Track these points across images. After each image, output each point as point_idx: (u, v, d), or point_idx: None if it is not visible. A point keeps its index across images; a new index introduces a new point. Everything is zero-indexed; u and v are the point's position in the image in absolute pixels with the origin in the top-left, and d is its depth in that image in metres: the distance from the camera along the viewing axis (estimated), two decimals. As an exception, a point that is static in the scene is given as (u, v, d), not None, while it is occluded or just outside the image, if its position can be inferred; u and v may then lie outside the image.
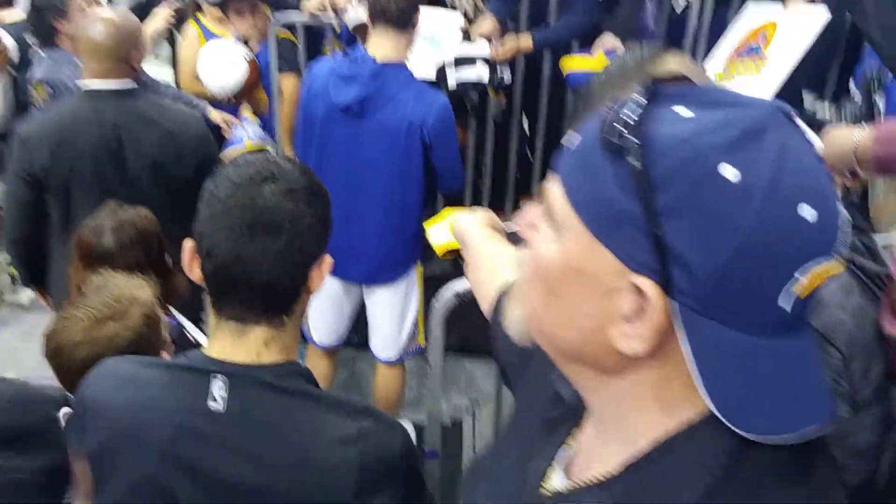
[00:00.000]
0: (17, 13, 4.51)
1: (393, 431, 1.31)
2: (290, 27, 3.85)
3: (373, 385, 3.33)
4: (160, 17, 3.95)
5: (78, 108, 2.69)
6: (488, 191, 4.21)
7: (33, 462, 0.91)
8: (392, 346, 3.20)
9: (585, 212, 0.72)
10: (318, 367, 3.26)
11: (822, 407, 0.74)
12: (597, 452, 0.82)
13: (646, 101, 0.71)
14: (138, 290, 1.74)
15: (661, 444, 0.75)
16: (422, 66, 3.40)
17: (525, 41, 3.65)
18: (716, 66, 2.71)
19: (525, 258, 0.82)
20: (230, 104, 3.84)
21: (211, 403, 1.22)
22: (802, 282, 0.69)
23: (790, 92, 2.44)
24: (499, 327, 1.19)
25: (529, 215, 0.82)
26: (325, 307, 3.14)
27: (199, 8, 4.11)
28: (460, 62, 3.48)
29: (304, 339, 3.34)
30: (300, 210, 1.22)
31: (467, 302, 1.74)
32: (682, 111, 0.70)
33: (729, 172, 0.66)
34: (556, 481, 0.86)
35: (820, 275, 0.70)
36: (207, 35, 4.02)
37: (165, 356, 1.74)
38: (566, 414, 0.91)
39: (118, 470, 1.25)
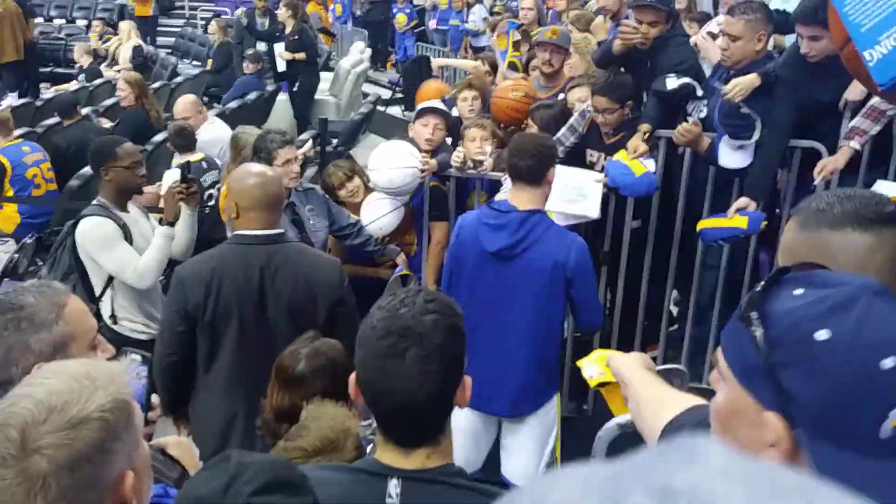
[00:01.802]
0: (199, 154, 5.16)
1: None
2: (443, 178, 4.26)
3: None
4: None
5: (229, 253, 2.98)
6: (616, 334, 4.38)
7: (300, 500, 1.23)
8: (531, 476, 3.33)
9: (734, 366, 0.99)
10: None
11: None
12: None
13: (768, 286, 0.98)
14: (350, 420, 1.99)
15: None
16: (561, 205, 3.74)
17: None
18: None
19: (712, 407, 1.08)
20: (383, 244, 4.21)
21: (388, 500, 1.48)
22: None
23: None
24: None
25: (714, 376, 1.08)
26: (465, 441, 3.28)
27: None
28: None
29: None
30: (437, 366, 1.46)
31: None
32: (798, 291, 0.98)
33: (820, 335, 0.92)
34: None
35: None
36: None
37: None
38: None
39: None
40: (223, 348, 2.99)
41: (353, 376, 1.56)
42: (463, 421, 3.24)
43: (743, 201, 3.78)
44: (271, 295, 2.92)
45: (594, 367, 1.88)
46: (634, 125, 4.04)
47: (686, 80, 4.02)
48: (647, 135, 3.98)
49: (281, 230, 3.02)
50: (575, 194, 3.82)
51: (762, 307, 0.96)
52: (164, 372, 2.96)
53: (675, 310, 4.72)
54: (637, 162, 3.88)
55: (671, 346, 4.33)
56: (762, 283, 1.00)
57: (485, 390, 3.15)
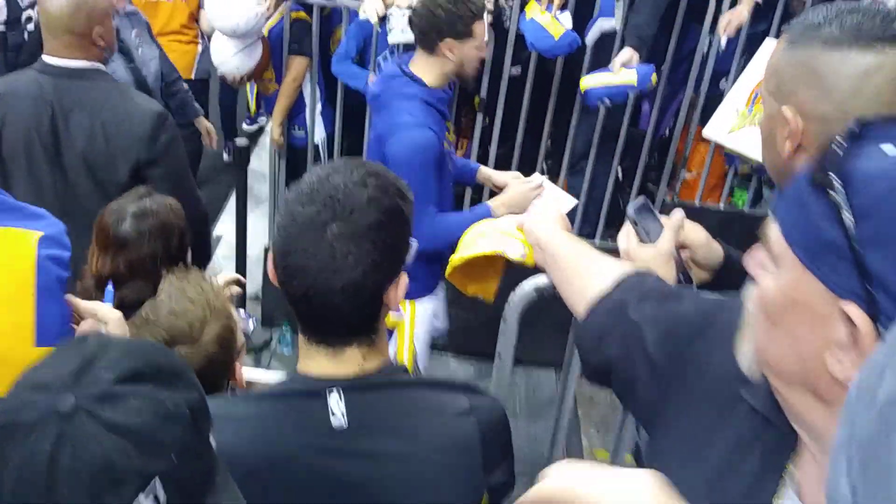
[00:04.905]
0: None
1: (496, 402, 1.39)
2: (307, 7, 3.76)
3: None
4: None
5: (24, 81, 2.52)
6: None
7: (179, 396, 0.92)
8: None
9: (797, 244, 0.78)
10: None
11: None
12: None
13: (849, 141, 0.75)
14: (215, 300, 1.65)
15: None
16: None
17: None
18: (738, 102, 2.66)
19: (752, 295, 0.87)
20: (241, 84, 3.77)
21: (333, 420, 1.23)
22: None
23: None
24: (594, 333, 1.23)
25: (758, 256, 0.86)
26: None
27: None
28: None
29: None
30: (364, 250, 1.18)
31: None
32: (889, 149, 0.74)
33: None
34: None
35: None
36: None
37: (238, 366, 1.72)
38: (775, 435, 0.91)
39: None
40: (17, 192, 2.47)
41: (272, 252, 1.26)
42: None
43: (626, 54, 3.54)
44: (66, 142, 2.46)
45: (515, 243, 1.56)
46: None
47: None
48: None
49: (88, 64, 2.48)
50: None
51: (843, 167, 0.74)
52: None
53: (546, 165, 4.57)
54: (553, 21, 3.46)
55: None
56: (838, 136, 0.76)
57: None
